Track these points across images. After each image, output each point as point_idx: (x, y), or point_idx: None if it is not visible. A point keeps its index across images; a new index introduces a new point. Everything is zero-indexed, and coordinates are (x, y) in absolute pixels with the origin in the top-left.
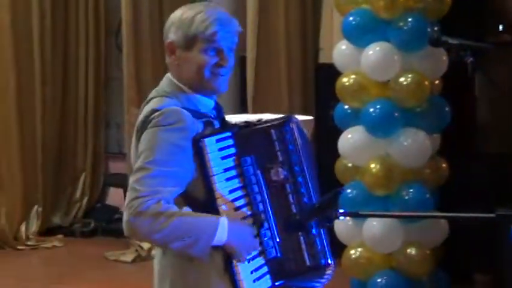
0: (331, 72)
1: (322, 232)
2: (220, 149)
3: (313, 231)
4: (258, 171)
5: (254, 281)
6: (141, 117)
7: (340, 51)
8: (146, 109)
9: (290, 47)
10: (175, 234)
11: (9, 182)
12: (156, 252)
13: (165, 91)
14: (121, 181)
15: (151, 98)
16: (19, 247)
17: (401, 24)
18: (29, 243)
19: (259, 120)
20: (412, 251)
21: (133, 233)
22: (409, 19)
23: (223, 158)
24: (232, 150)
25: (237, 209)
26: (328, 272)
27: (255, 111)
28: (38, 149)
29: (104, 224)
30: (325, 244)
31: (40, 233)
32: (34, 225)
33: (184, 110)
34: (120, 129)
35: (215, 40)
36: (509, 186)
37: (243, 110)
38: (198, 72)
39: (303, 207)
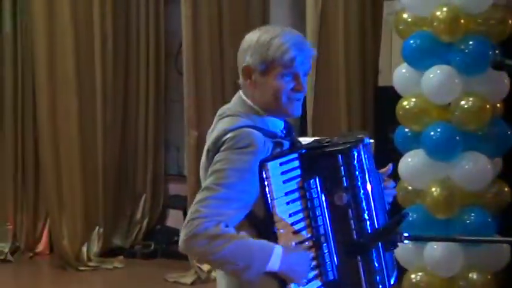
0: (390, 95)
1: (383, 259)
2: (284, 172)
3: (374, 255)
4: (322, 194)
5: None
6: (213, 136)
7: (400, 74)
8: (218, 128)
9: (349, 70)
10: (229, 258)
11: (71, 203)
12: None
13: (238, 110)
14: (180, 203)
15: (224, 116)
16: (81, 268)
17: (462, 47)
18: (90, 264)
19: (328, 142)
20: (473, 275)
21: (188, 251)
22: (471, 42)
23: (286, 181)
24: (298, 172)
25: (296, 232)
26: None
27: (314, 134)
28: (99, 171)
29: (164, 245)
30: (386, 274)
31: (101, 254)
32: (95, 246)
33: (256, 132)
34: (180, 151)
35: (293, 65)
36: None
37: (302, 132)
38: (275, 97)
39: (366, 231)
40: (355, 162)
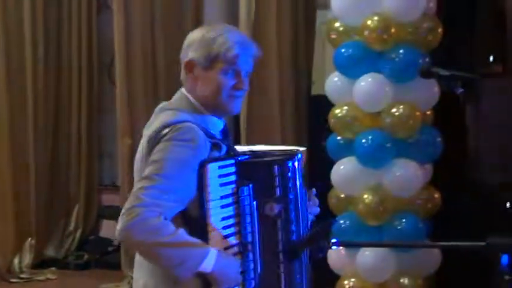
0: (323, 104)
1: (304, 273)
2: (221, 176)
3: (296, 267)
4: (254, 203)
5: None
6: (154, 126)
7: (332, 82)
8: (160, 120)
9: (283, 79)
10: (165, 252)
11: (1, 214)
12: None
13: (179, 106)
14: (114, 213)
15: (164, 109)
16: (12, 280)
17: (393, 55)
18: (22, 276)
19: (263, 152)
20: (405, 280)
21: (125, 239)
22: (401, 51)
23: (222, 184)
24: (233, 178)
25: (225, 237)
26: None
27: (248, 143)
28: (31, 181)
29: (97, 256)
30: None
31: (33, 266)
32: (27, 258)
33: (198, 129)
34: (114, 160)
35: (236, 63)
36: (500, 215)
37: (236, 141)
38: (216, 92)
39: (293, 240)
40: (289, 174)
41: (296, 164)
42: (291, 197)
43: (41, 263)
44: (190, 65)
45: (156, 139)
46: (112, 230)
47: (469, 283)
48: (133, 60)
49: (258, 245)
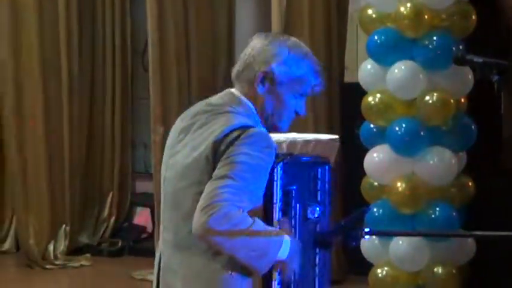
0: (356, 91)
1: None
2: (280, 178)
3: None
4: (298, 205)
5: None
6: (221, 129)
7: (365, 70)
8: (223, 123)
9: None
10: (247, 245)
11: (37, 201)
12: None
13: (239, 109)
14: (148, 200)
15: (223, 112)
16: (47, 266)
17: (426, 42)
18: (57, 262)
19: (299, 155)
20: (438, 269)
21: (208, 234)
22: (434, 38)
23: (280, 187)
24: (281, 181)
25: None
26: None
27: None
28: (66, 169)
29: (131, 243)
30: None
31: (68, 252)
32: (62, 245)
33: (269, 135)
34: (147, 148)
35: (310, 91)
36: None
37: None
38: (280, 113)
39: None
40: (328, 176)
41: (328, 168)
42: (328, 200)
43: (75, 250)
44: (267, 77)
45: (225, 142)
46: (145, 217)
47: (503, 273)
48: (167, 48)
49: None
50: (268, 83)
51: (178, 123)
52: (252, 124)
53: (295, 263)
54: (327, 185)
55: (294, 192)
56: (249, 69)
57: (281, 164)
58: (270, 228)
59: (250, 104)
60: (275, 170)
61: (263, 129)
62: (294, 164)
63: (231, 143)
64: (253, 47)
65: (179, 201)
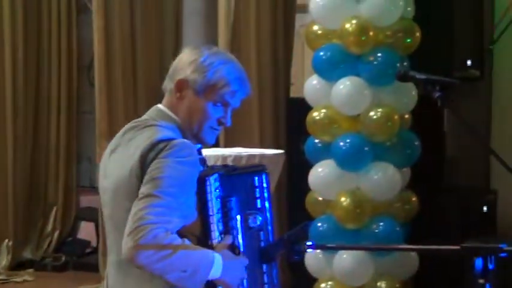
0: (302, 107)
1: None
2: (216, 189)
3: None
4: (238, 216)
5: None
6: (146, 143)
7: (311, 85)
8: (147, 136)
9: (262, 81)
10: (176, 266)
11: None
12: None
13: (162, 122)
14: (92, 215)
15: (146, 125)
16: None
17: (371, 59)
18: None
19: (234, 167)
20: (382, 284)
21: (135, 259)
22: (379, 54)
23: (217, 198)
24: (219, 193)
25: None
26: None
27: (226, 145)
28: (9, 182)
29: (75, 258)
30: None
31: (11, 267)
32: (4, 260)
33: (192, 145)
34: (92, 162)
35: (229, 98)
36: (477, 219)
37: (215, 143)
38: (199, 121)
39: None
40: (266, 184)
41: (267, 174)
42: (268, 207)
43: (18, 265)
44: (183, 85)
45: (150, 156)
46: (90, 231)
47: (445, 287)
48: (113, 62)
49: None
50: (185, 90)
51: (109, 145)
52: (176, 137)
53: (234, 279)
54: (265, 192)
55: (232, 202)
56: (170, 80)
57: (216, 175)
58: (198, 247)
59: (174, 117)
60: (207, 182)
61: (186, 140)
62: (230, 175)
63: (156, 156)
64: (178, 59)
65: (117, 221)
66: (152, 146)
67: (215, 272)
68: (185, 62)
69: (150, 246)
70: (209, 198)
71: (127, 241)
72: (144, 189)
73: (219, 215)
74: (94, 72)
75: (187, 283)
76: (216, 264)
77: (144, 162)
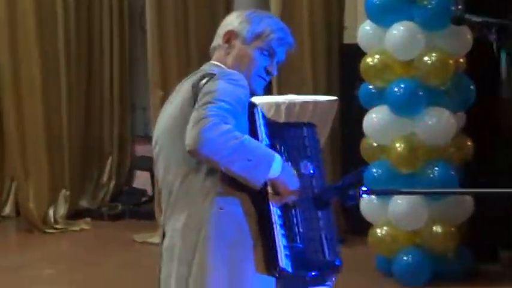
0: (355, 52)
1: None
2: (264, 125)
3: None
4: (288, 163)
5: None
6: (197, 76)
7: (364, 31)
8: (202, 73)
9: (314, 26)
10: (241, 154)
11: (36, 166)
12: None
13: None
14: (147, 164)
15: (201, 70)
16: (48, 230)
17: (425, 3)
18: (57, 226)
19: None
20: (437, 228)
21: (200, 146)
22: None
23: (266, 134)
24: (265, 129)
25: None
26: (333, 278)
27: (279, 92)
28: (64, 133)
29: (131, 206)
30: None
31: (68, 217)
32: (62, 209)
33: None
34: (146, 111)
35: (275, 46)
36: None
37: (267, 91)
38: (248, 67)
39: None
40: (316, 136)
41: (314, 127)
42: (319, 157)
43: (75, 214)
44: (231, 35)
45: (202, 83)
46: (145, 180)
47: (501, 231)
48: (164, 10)
49: (299, 202)
50: (233, 40)
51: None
52: None
53: (291, 184)
54: (315, 142)
55: (281, 147)
56: (219, 37)
57: (261, 111)
58: (259, 143)
59: (223, 67)
60: (256, 109)
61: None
62: (277, 123)
63: (207, 82)
64: (224, 20)
65: (170, 156)
66: (203, 77)
67: (275, 170)
68: (232, 18)
69: (214, 132)
70: (259, 124)
71: (191, 131)
72: (200, 102)
73: (268, 142)
74: (145, 19)
75: (251, 174)
76: (277, 161)
77: (196, 87)
